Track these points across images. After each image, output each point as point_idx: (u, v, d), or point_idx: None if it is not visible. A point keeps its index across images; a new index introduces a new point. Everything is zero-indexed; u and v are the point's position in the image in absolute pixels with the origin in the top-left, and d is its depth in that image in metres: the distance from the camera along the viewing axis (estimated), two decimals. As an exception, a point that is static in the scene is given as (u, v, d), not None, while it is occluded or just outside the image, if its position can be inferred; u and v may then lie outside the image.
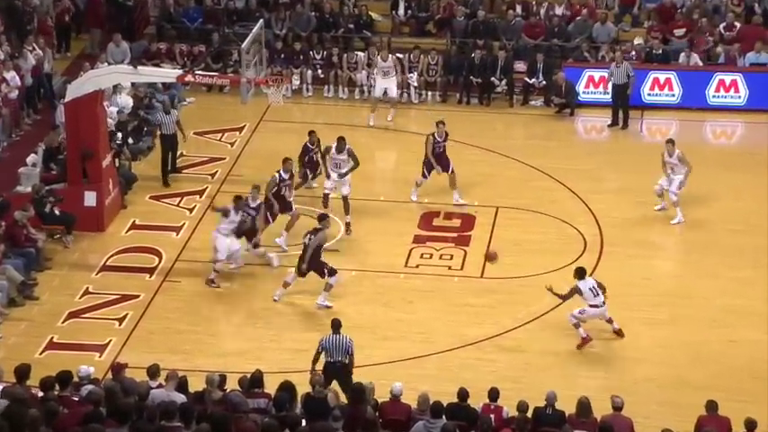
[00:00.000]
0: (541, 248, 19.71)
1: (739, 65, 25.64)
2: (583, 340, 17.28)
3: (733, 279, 19.04)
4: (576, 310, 17.21)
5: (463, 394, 13.82)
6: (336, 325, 15.48)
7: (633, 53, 25.44)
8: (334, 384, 14.66)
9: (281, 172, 19.73)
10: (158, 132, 22.25)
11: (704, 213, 21.04)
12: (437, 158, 20.88)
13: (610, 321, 17.42)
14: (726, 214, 20.98)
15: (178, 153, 22.50)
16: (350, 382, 14.83)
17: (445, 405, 13.41)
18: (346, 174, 20.36)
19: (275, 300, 18.32)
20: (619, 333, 17.45)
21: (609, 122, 24.70)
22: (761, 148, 24.18)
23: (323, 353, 15.37)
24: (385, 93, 24.50)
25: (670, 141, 20.96)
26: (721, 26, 26.29)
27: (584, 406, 13.69)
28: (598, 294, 17.08)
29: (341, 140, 20.42)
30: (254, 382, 13.73)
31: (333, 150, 20.42)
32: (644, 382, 16.57)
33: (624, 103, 24.55)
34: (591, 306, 17.11)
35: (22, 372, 13.19)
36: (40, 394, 12.68)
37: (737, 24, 26.28)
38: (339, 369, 15.19)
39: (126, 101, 23.65)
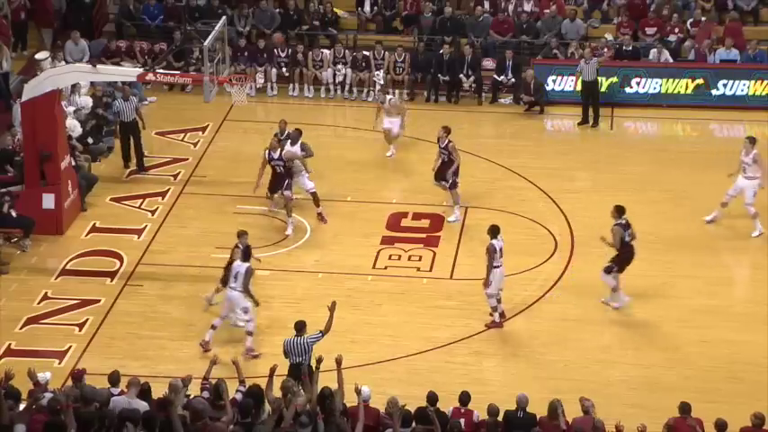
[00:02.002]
0: (511, 249, 19.57)
1: (710, 61, 25.82)
2: (494, 323, 17.72)
3: (707, 279, 19.13)
4: (487, 290, 17.53)
5: (432, 398, 13.83)
6: (299, 327, 15.43)
7: (605, 50, 25.48)
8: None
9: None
10: (117, 120, 22.10)
11: (678, 212, 21.16)
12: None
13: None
14: (700, 213, 21.07)
15: (145, 152, 22.37)
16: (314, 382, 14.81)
17: (414, 409, 13.42)
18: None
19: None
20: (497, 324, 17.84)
21: (579, 120, 24.79)
22: (733, 146, 24.37)
23: (286, 356, 15.35)
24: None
25: (750, 139, 20.19)
26: (689, 22, 26.50)
27: (555, 408, 13.72)
28: (502, 256, 17.58)
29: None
30: (217, 394, 13.56)
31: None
32: (616, 384, 16.64)
33: (594, 101, 24.64)
34: (495, 267, 17.46)
35: None
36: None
37: (704, 19, 26.45)
38: (303, 370, 15.12)
39: (86, 101, 23.50)
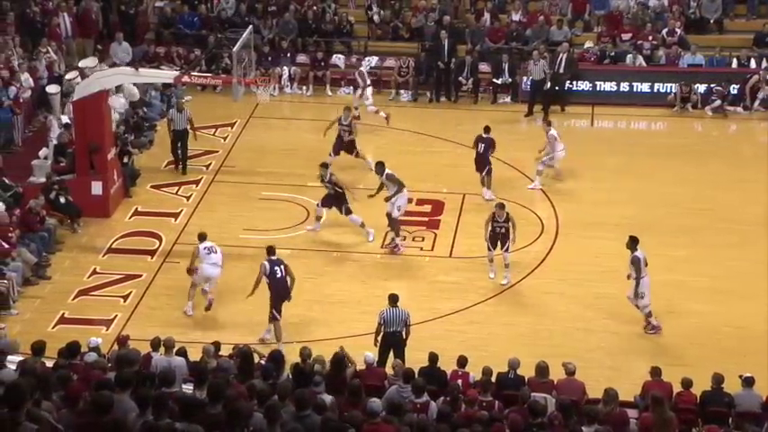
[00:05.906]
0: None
1: (681, 65, 25.79)
2: (654, 329, 16.91)
3: (672, 257, 19.09)
4: (640, 301, 16.78)
5: (433, 358, 13.90)
6: (394, 299, 15.55)
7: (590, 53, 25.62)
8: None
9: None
10: (171, 128, 22.05)
11: (649, 198, 21.11)
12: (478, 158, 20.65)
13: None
14: (666, 199, 21.02)
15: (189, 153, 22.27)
16: (403, 350, 15.04)
17: (418, 369, 13.46)
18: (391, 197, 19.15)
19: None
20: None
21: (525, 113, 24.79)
22: (695, 139, 24.36)
23: (383, 325, 15.39)
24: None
25: (545, 121, 21.79)
26: (664, 31, 26.40)
27: (542, 369, 13.80)
28: (647, 266, 16.68)
29: (379, 165, 19.28)
30: (246, 360, 13.43)
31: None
32: (595, 350, 16.65)
33: (542, 97, 24.61)
34: (642, 278, 16.75)
35: (38, 348, 13.04)
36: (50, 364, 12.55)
37: (678, 30, 26.35)
38: (398, 338, 15.28)
39: (131, 90, 23.66)
